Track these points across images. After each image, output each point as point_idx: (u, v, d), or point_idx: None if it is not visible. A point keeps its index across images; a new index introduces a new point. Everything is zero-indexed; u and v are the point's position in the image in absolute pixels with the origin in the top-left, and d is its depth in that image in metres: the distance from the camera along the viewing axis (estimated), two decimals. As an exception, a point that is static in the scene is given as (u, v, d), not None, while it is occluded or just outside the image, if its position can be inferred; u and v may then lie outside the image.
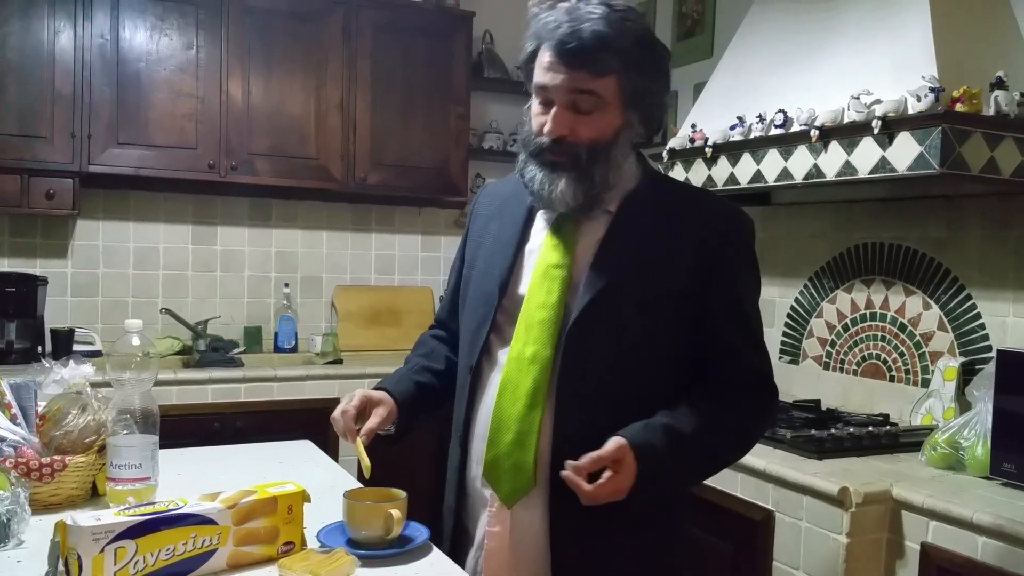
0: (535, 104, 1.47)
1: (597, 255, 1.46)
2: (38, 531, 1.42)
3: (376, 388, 1.59)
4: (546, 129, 1.43)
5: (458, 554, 1.54)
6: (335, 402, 3.65)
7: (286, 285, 4.02)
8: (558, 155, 1.42)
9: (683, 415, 1.41)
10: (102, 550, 1.19)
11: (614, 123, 1.43)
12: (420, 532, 1.48)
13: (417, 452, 2.59)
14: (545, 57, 1.42)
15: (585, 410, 1.43)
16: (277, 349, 3.96)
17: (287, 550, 1.38)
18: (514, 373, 1.46)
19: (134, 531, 1.23)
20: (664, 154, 3.00)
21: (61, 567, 1.19)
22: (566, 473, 1.32)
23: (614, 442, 1.34)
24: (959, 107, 2.10)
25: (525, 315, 1.47)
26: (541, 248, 1.50)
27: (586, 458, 1.32)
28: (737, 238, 1.49)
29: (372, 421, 1.52)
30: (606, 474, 1.33)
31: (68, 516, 1.21)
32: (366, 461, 1.48)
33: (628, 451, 1.33)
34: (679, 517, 1.57)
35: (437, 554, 1.44)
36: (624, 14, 1.39)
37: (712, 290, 1.44)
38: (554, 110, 1.42)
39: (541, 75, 1.43)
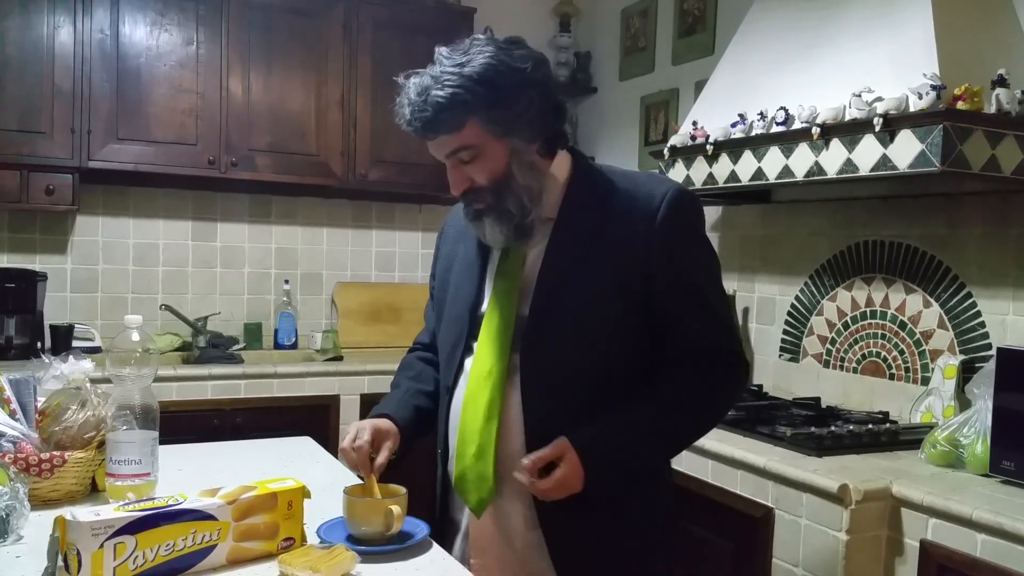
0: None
1: (543, 264, 1.52)
2: (37, 527, 1.42)
3: (378, 414, 1.62)
4: (451, 190, 1.53)
5: (444, 542, 1.57)
6: (335, 399, 3.68)
7: (286, 282, 4.02)
8: (475, 203, 1.52)
9: (633, 401, 1.49)
10: (101, 545, 1.19)
11: (501, 158, 1.47)
12: (420, 528, 1.48)
13: (416, 449, 2.59)
14: None
15: (551, 411, 1.49)
16: (277, 346, 3.96)
17: (287, 546, 1.38)
18: (474, 388, 1.54)
19: (133, 527, 1.23)
20: (665, 151, 3.00)
21: (60, 562, 1.19)
22: (518, 475, 1.43)
23: (555, 442, 1.43)
24: (960, 105, 2.09)
25: (484, 333, 1.55)
26: (496, 268, 1.58)
27: (528, 459, 1.42)
28: (674, 215, 1.49)
29: (382, 456, 1.55)
30: (556, 471, 1.41)
31: (67, 512, 1.21)
32: (378, 495, 1.49)
33: (568, 447, 1.42)
34: (654, 487, 1.61)
35: (437, 550, 1.44)
36: (461, 62, 1.43)
37: (656, 271, 1.47)
38: (448, 172, 1.52)
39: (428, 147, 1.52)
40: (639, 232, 1.48)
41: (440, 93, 1.41)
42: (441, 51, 1.46)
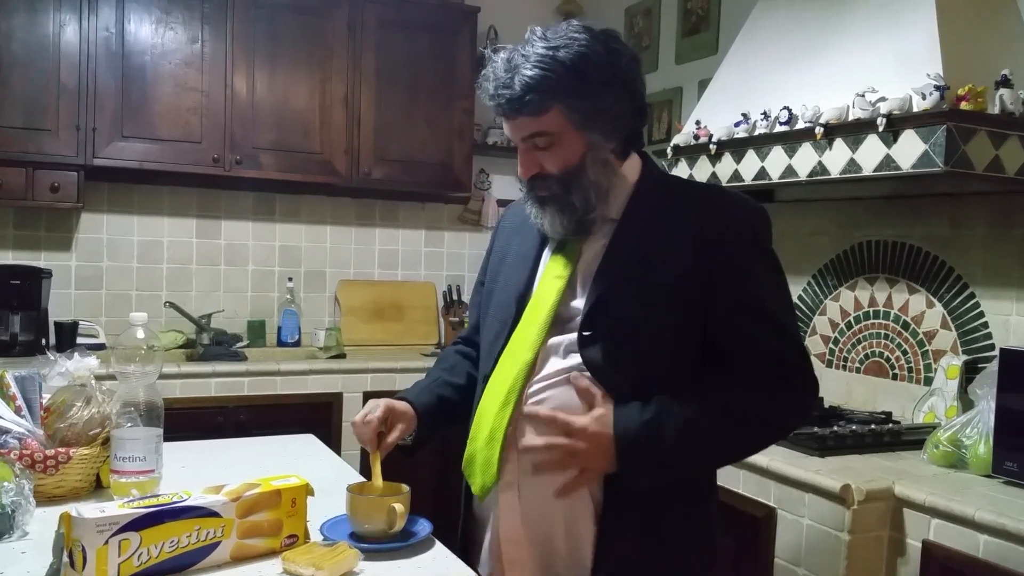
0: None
1: (603, 260, 1.48)
2: (42, 523, 1.43)
3: (399, 398, 1.61)
4: (519, 172, 1.50)
5: (472, 529, 1.57)
6: (338, 396, 3.69)
7: (289, 279, 4.03)
8: (540, 189, 1.48)
9: (688, 402, 1.41)
10: (106, 542, 1.20)
11: (576, 150, 1.44)
12: (423, 526, 1.49)
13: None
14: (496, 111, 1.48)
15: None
16: (280, 343, 3.96)
17: (290, 543, 1.38)
18: (500, 374, 1.51)
19: (138, 523, 1.23)
20: (668, 151, 3.00)
21: (66, 559, 1.20)
22: (534, 409, 1.43)
23: (596, 415, 1.39)
24: (964, 105, 2.09)
25: (523, 322, 1.52)
26: (548, 261, 1.55)
27: (558, 415, 1.40)
28: (740, 228, 1.46)
29: (393, 435, 1.54)
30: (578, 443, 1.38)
31: (73, 508, 1.22)
32: (378, 476, 1.49)
33: (606, 426, 1.38)
34: (702, 497, 1.55)
35: (440, 548, 1.45)
36: (555, 45, 1.40)
37: (717, 282, 1.42)
38: (520, 155, 1.49)
39: (503, 126, 1.50)
40: (701, 239, 1.43)
41: (529, 73, 1.38)
42: (535, 30, 1.44)
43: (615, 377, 1.43)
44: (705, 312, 1.43)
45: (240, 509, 1.34)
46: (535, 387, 1.46)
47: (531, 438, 1.43)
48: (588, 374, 1.43)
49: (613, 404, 1.40)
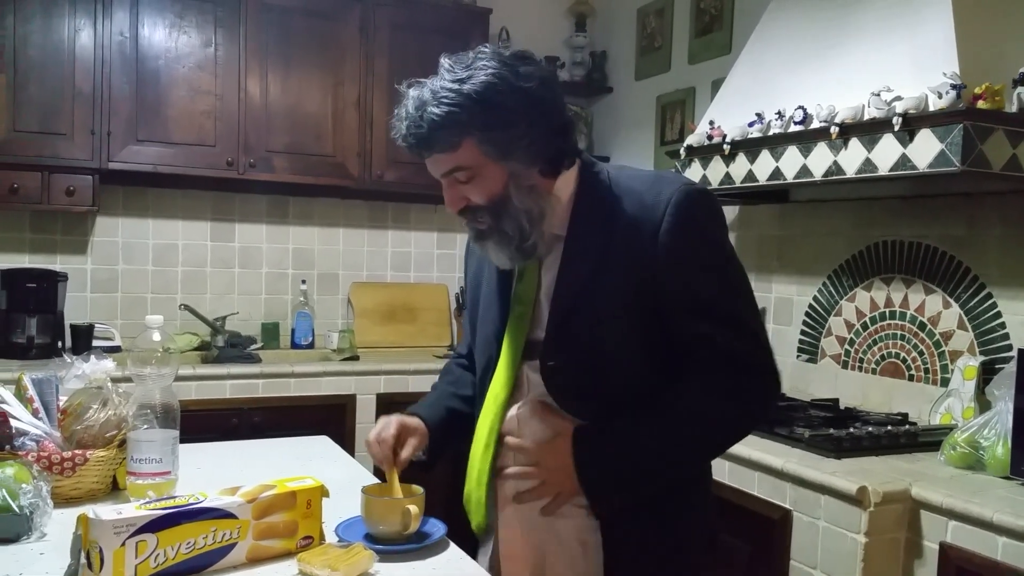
0: None
1: (556, 287, 1.45)
2: (60, 524, 1.43)
3: (409, 413, 1.61)
4: (447, 206, 1.46)
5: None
6: (351, 398, 3.70)
7: (303, 282, 4.04)
8: (475, 222, 1.44)
9: (646, 414, 1.42)
10: (123, 543, 1.21)
11: (498, 180, 1.39)
12: (437, 528, 1.49)
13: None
14: None
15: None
16: (294, 345, 3.98)
17: (306, 544, 1.39)
18: (483, 415, 1.53)
19: (155, 525, 1.24)
20: (682, 151, 2.99)
21: (83, 560, 1.20)
22: (512, 440, 1.47)
23: (553, 444, 1.43)
24: (981, 104, 2.08)
25: (501, 360, 1.52)
26: (513, 294, 1.53)
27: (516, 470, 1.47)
28: (680, 222, 1.38)
29: (406, 451, 1.53)
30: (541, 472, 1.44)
31: (90, 510, 1.22)
32: (398, 491, 1.49)
33: (566, 455, 1.41)
34: (698, 494, 1.55)
35: (454, 550, 1.45)
36: (461, 78, 1.35)
37: (666, 287, 1.38)
38: (444, 190, 1.45)
39: None
40: (646, 243, 1.38)
41: (436, 110, 1.34)
42: (444, 64, 1.39)
43: (581, 403, 1.44)
44: (661, 316, 1.40)
45: (256, 511, 1.34)
46: (509, 417, 1.49)
47: (510, 467, 1.48)
48: (551, 401, 1.44)
49: (572, 428, 1.42)
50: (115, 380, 1.75)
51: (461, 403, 1.67)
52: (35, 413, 1.69)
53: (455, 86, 1.34)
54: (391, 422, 1.55)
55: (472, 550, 1.52)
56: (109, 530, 1.20)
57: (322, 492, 1.43)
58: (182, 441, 1.65)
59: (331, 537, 1.44)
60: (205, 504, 1.30)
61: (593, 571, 1.45)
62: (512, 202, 1.40)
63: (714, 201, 1.46)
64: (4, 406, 1.63)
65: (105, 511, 1.22)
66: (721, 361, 1.40)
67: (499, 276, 1.55)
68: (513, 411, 1.49)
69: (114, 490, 1.67)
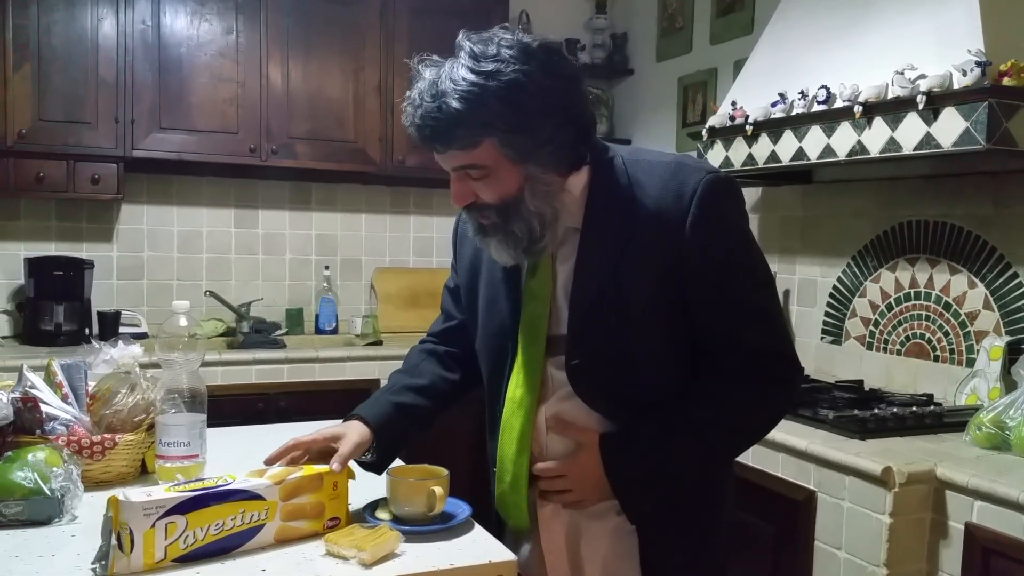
0: None
1: (574, 284, 1.40)
2: (90, 507, 1.45)
3: (350, 416, 1.55)
4: (452, 200, 1.38)
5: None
6: (375, 383, 3.73)
7: (326, 268, 4.06)
8: (480, 218, 1.37)
9: (673, 413, 1.40)
10: (153, 525, 1.23)
11: (513, 181, 1.32)
12: (462, 509, 1.49)
13: (456, 432, 2.63)
14: None
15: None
16: (318, 331, 4.00)
17: (332, 525, 1.40)
18: (509, 416, 1.48)
19: (184, 507, 1.25)
20: (704, 133, 2.98)
21: (114, 541, 1.22)
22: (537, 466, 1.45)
23: (579, 456, 1.42)
24: (1006, 81, 2.05)
25: (521, 358, 1.47)
26: (525, 287, 1.46)
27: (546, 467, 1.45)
28: (707, 212, 1.34)
29: (344, 447, 1.44)
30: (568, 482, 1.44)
31: (120, 492, 1.24)
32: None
33: (594, 464, 1.40)
34: (719, 496, 1.54)
35: (479, 531, 1.46)
36: (486, 71, 1.25)
37: (691, 274, 1.35)
38: (451, 183, 1.37)
39: None
40: (670, 235, 1.34)
41: (457, 105, 1.24)
42: (465, 47, 1.29)
43: (609, 401, 1.42)
44: (686, 312, 1.37)
45: (283, 492, 1.35)
46: (549, 412, 1.45)
47: (545, 482, 1.46)
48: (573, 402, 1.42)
49: (596, 437, 1.41)
50: (142, 366, 1.77)
51: (415, 395, 1.59)
52: (64, 398, 1.72)
53: (479, 80, 1.25)
54: (314, 434, 1.48)
55: (495, 532, 1.53)
56: (139, 512, 1.22)
57: (348, 474, 1.44)
58: (210, 426, 1.67)
59: (356, 519, 1.45)
60: (233, 486, 1.31)
61: (629, 566, 1.45)
62: (525, 205, 1.33)
63: (738, 189, 1.41)
64: (34, 391, 1.66)
65: (135, 493, 1.24)
66: (748, 357, 1.38)
67: (504, 267, 1.47)
68: (554, 404, 1.45)
69: (143, 473, 1.69)
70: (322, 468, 1.41)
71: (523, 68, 1.26)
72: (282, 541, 1.36)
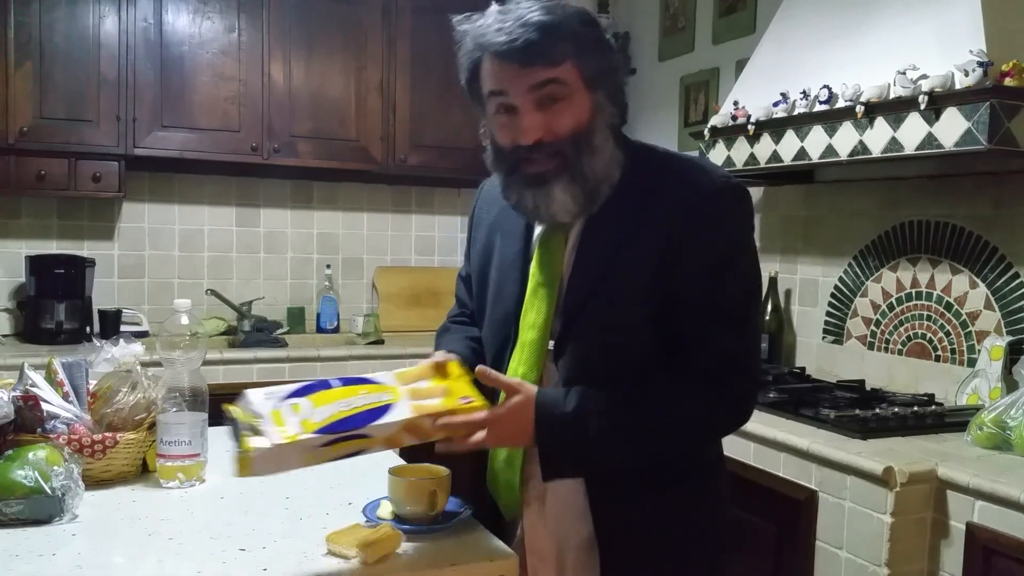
0: (497, 117, 1.41)
1: (573, 268, 1.42)
2: (91, 506, 1.46)
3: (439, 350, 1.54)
4: (521, 137, 1.36)
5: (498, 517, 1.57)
6: (377, 382, 3.65)
7: (328, 266, 4.06)
8: (542, 164, 1.36)
9: (621, 398, 1.37)
10: (277, 407, 1.24)
11: (586, 108, 1.36)
12: (464, 509, 1.49)
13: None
14: (494, 63, 1.37)
15: None
16: (320, 330, 4.00)
17: (467, 403, 1.34)
18: (507, 398, 1.45)
19: (305, 391, 1.28)
20: (706, 132, 2.97)
21: (245, 430, 1.22)
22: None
23: (521, 387, 1.35)
24: (1008, 81, 2.05)
25: (520, 336, 1.47)
26: (533, 265, 1.47)
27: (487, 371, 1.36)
28: (712, 213, 1.36)
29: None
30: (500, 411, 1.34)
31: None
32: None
33: (528, 400, 1.34)
34: (705, 478, 1.53)
35: (481, 530, 1.46)
36: (556, 5, 1.35)
37: (681, 272, 1.35)
38: (522, 114, 1.35)
39: (495, 82, 1.38)
40: (673, 232, 1.35)
41: (546, 18, 1.31)
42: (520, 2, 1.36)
43: (592, 385, 1.39)
44: (670, 306, 1.37)
45: (400, 378, 1.35)
46: None
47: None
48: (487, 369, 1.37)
49: (535, 390, 1.36)
50: (144, 364, 1.77)
51: (478, 344, 1.60)
52: (65, 397, 1.72)
53: (558, 8, 1.34)
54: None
55: (495, 530, 1.53)
56: (260, 398, 1.25)
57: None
58: (210, 425, 1.67)
59: (359, 517, 1.45)
60: (348, 376, 1.32)
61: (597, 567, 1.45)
62: (594, 137, 1.36)
63: (747, 198, 1.43)
64: (35, 390, 1.66)
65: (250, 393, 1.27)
66: (710, 359, 1.37)
67: (517, 255, 1.49)
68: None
69: (144, 472, 1.69)
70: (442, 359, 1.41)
71: (584, 9, 1.38)
72: (422, 415, 1.29)
